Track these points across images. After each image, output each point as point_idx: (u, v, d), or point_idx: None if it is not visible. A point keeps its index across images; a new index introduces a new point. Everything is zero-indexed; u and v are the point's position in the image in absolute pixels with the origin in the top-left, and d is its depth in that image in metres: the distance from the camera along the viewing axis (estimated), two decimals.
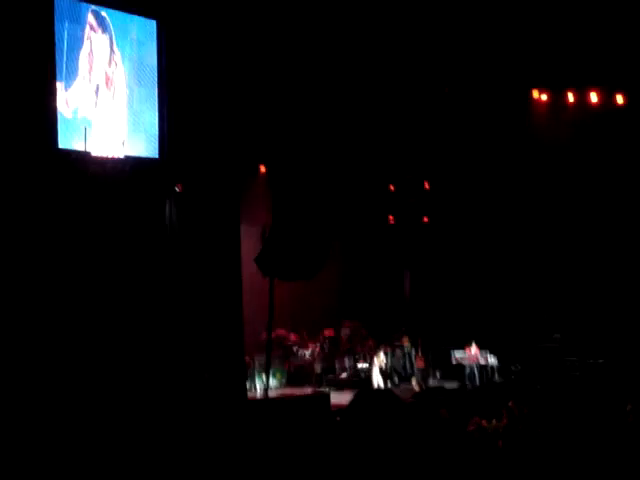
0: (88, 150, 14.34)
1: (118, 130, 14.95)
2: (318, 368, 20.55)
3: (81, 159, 14.19)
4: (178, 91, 15.49)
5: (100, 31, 14.62)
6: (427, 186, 22.93)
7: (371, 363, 20.60)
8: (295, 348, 21.19)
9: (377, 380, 20.18)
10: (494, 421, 12.19)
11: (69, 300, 13.79)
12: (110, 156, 14.74)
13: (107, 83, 14.78)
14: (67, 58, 14.06)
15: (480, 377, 21.17)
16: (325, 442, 10.52)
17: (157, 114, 15.37)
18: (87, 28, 14.42)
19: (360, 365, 20.99)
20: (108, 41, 14.77)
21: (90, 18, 14.54)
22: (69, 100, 14.17)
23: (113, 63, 14.83)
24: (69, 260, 13.79)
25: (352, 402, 4.16)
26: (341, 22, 17.30)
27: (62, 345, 13.50)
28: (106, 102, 14.82)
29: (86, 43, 14.45)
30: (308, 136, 18.62)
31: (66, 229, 13.83)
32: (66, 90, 14.09)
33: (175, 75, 15.39)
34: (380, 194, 22.84)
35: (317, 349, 21.04)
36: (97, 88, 14.69)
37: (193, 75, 15.54)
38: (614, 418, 10.89)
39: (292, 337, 21.47)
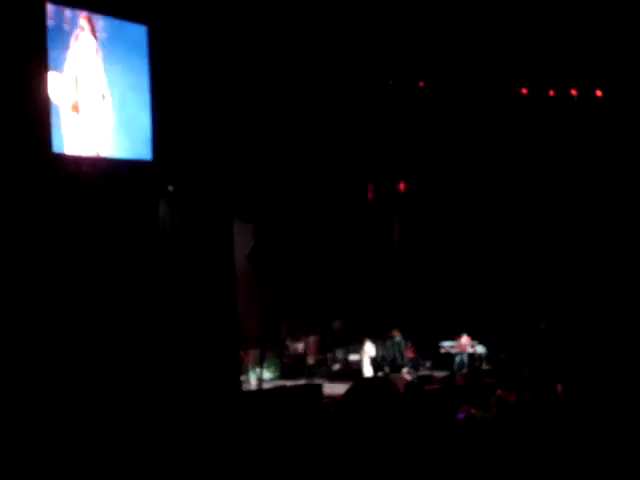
0: (79, 153, 14.50)
1: (109, 132, 15.12)
2: (311, 360, 20.86)
3: (73, 162, 14.35)
4: (170, 94, 15.68)
5: (89, 32, 14.70)
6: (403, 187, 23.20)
7: (361, 354, 20.94)
8: (288, 341, 21.50)
9: (368, 371, 20.52)
10: (482, 410, 12.51)
11: (65, 301, 13.97)
12: (100, 158, 14.89)
13: (94, 86, 14.86)
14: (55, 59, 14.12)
15: (469, 365, 21.63)
16: (318, 432, 10.85)
17: (149, 117, 15.53)
18: (77, 29, 14.50)
19: (352, 357, 21.31)
20: (97, 44, 14.84)
21: (81, 21, 14.65)
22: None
23: (102, 67, 14.95)
24: (65, 261, 13.99)
25: (348, 391, 4.43)
26: (322, 27, 17.51)
27: (56, 344, 13.68)
28: (95, 105, 14.92)
29: (74, 44, 14.49)
30: (292, 139, 18.86)
31: (61, 231, 13.98)
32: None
33: (166, 78, 15.58)
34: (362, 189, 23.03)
35: (310, 341, 21.33)
36: (85, 90, 14.77)
37: (184, 78, 15.75)
38: (603, 405, 11.20)
39: (285, 330, 21.77)
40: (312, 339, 21.46)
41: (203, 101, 16.02)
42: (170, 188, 15.85)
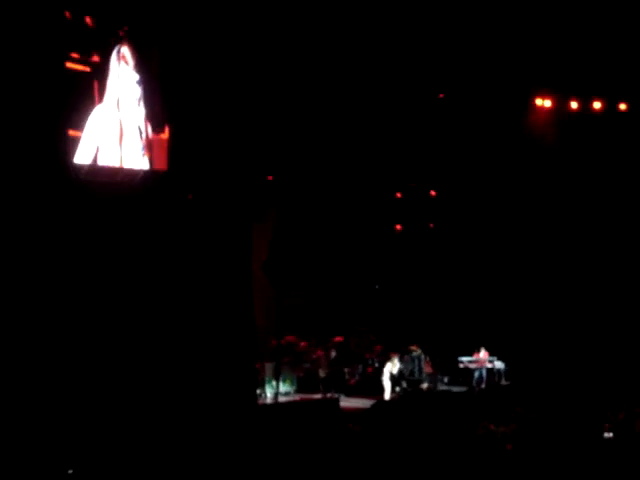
0: (101, 164, 14.62)
1: (129, 145, 15.20)
2: (322, 373, 20.74)
3: (94, 173, 14.46)
4: (183, 107, 15.73)
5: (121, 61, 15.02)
6: (433, 193, 23.11)
7: (382, 368, 20.75)
8: (304, 355, 21.39)
9: (387, 385, 20.36)
10: (502, 426, 12.38)
11: (82, 306, 13.98)
12: (121, 169, 14.97)
13: (118, 104, 15.05)
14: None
15: (487, 381, 21.44)
16: (336, 446, 10.73)
17: (165, 130, 15.62)
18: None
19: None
20: (125, 69, 15.11)
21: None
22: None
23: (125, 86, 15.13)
24: (85, 271, 14.02)
25: (371, 409, 4.36)
26: (342, 30, 17.45)
27: (75, 354, 13.68)
28: (116, 120, 15.07)
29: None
30: (312, 145, 18.80)
31: (80, 241, 14.05)
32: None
33: (178, 92, 15.64)
34: (386, 202, 22.99)
35: (322, 355, 21.21)
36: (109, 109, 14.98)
37: (197, 92, 15.78)
38: (615, 423, 11.06)
39: (302, 344, 21.67)
40: (322, 353, 21.32)
41: (217, 113, 16.02)
42: (188, 198, 15.85)
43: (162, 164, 15.46)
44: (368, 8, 17.12)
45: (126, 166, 14.98)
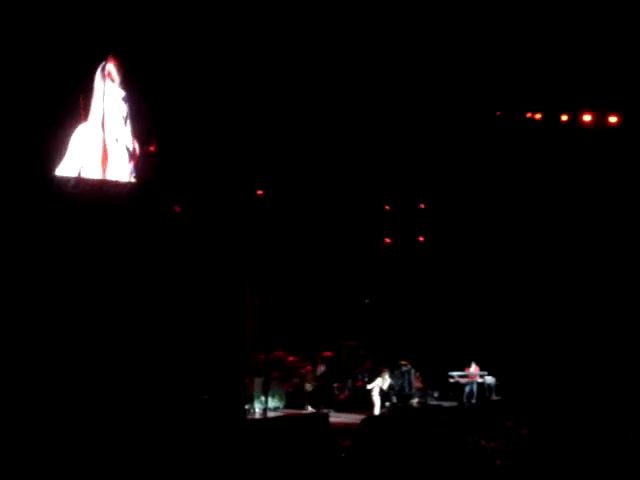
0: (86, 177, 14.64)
1: (114, 159, 15.20)
2: (308, 388, 20.61)
3: (79, 185, 14.47)
4: (169, 122, 15.75)
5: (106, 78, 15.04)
6: (422, 206, 23.08)
7: (371, 383, 20.60)
8: (292, 370, 21.25)
9: (376, 400, 20.22)
10: (492, 441, 12.28)
11: (71, 326, 13.93)
12: (106, 182, 14.96)
13: (103, 119, 15.08)
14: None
15: (478, 396, 21.34)
16: (325, 461, 10.62)
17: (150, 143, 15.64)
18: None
19: (369, 386, 20.75)
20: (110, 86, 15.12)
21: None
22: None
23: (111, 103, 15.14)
24: (71, 282, 13.97)
25: (361, 425, 4.28)
26: (337, 38, 17.44)
27: (64, 359, 13.64)
28: (100, 135, 15.09)
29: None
30: (301, 157, 18.78)
31: (65, 252, 14.02)
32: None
33: (164, 107, 15.67)
34: (375, 216, 22.94)
35: (309, 370, 21.09)
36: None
37: (183, 106, 15.79)
38: (614, 440, 10.97)
39: (290, 359, 21.53)
40: (309, 368, 21.19)
41: (205, 125, 16.02)
42: (175, 209, 15.82)
43: (148, 177, 15.46)
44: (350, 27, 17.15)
45: (111, 179, 14.97)
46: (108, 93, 15.05)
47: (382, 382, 20.32)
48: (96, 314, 14.29)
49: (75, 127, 14.60)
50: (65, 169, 14.34)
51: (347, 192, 21.18)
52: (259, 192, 19.65)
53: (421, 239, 23.59)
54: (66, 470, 12.09)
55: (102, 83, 14.92)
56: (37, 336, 13.51)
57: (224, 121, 16.31)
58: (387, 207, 23.05)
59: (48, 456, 12.36)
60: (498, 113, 20.31)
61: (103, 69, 14.94)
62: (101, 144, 14.95)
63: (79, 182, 14.49)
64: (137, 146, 15.46)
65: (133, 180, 15.39)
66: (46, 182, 14.12)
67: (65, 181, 14.38)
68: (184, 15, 15.52)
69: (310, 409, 19.93)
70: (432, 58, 18.46)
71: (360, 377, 21.76)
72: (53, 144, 14.16)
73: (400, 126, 20.19)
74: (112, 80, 15.11)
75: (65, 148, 14.41)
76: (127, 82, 15.29)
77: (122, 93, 15.16)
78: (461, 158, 21.41)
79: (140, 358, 14.69)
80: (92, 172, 14.80)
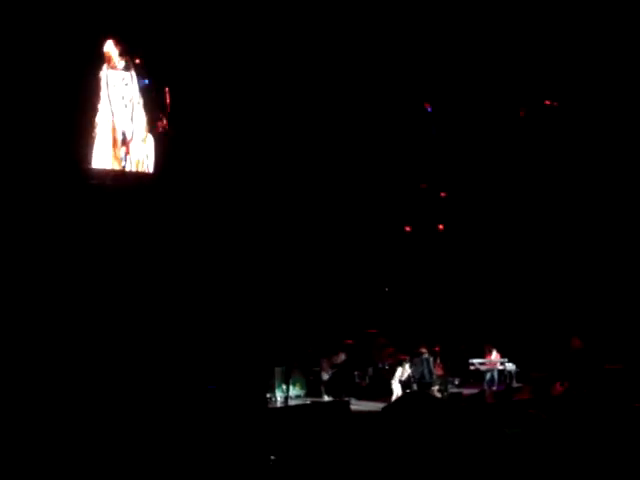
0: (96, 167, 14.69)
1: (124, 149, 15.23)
2: (325, 376, 20.66)
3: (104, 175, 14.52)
4: (180, 112, 15.76)
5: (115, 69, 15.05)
6: (443, 194, 23.02)
7: (394, 371, 20.61)
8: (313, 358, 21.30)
9: (396, 388, 20.23)
10: (514, 428, 12.24)
11: (92, 315, 13.99)
12: (115, 172, 15.00)
13: (112, 109, 15.11)
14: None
15: (499, 383, 21.31)
16: (346, 448, 10.64)
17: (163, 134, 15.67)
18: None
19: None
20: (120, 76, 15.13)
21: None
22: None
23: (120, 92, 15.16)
24: (83, 274, 14.04)
25: (389, 407, 4.30)
26: (340, 35, 17.43)
27: (69, 354, 13.70)
28: (110, 125, 15.13)
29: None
30: (318, 145, 18.76)
31: (77, 242, 14.10)
32: None
33: (174, 97, 15.67)
34: (396, 203, 22.92)
35: (325, 358, 21.13)
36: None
37: (193, 96, 15.79)
38: (632, 426, 10.94)
39: (310, 347, 21.57)
40: (326, 357, 21.23)
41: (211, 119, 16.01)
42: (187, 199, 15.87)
43: (159, 168, 15.49)
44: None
45: (130, 170, 15.01)
46: (118, 83, 15.06)
47: (402, 371, 20.32)
48: (117, 302, 14.36)
49: (85, 116, 14.61)
50: (100, 162, 14.39)
51: (368, 180, 21.16)
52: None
53: (441, 227, 23.55)
54: (75, 458, 12.22)
55: (111, 73, 14.93)
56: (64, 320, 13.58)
57: (234, 111, 16.32)
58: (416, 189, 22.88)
59: (51, 451, 12.48)
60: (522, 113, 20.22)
61: (111, 60, 14.95)
62: (111, 134, 14.96)
63: (100, 174, 14.54)
64: (148, 136, 15.46)
65: (150, 171, 15.40)
66: (80, 175, 14.19)
67: (104, 174, 14.45)
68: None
69: (327, 398, 19.98)
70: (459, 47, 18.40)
71: (381, 365, 21.76)
72: (77, 136, 14.21)
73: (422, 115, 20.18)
74: (121, 69, 15.11)
75: (88, 140, 14.45)
76: (137, 72, 15.27)
77: (133, 82, 15.15)
78: (482, 147, 21.36)
79: (158, 348, 14.75)
80: (102, 163, 14.80)
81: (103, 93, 14.81)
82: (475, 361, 21.71)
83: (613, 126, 19.83)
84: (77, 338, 13.64)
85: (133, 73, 15.16)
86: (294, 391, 19.70)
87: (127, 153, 14.94)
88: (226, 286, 15.99)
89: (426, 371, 21.41)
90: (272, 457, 11.71)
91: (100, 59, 14.72)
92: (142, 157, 15.39)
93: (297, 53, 16.88)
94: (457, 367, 22.16)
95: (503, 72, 19.05)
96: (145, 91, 15.39)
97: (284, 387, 18.95)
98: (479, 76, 19.26)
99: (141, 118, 15.38)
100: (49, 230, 13.58)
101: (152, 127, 15.54)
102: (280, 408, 17.93)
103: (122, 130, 15.02)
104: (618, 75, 18.24)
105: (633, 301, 20.61)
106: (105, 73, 14.79)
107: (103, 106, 14.74)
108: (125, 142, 15.02)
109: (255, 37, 16.05)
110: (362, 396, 20.14)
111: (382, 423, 4.40)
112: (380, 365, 21.79)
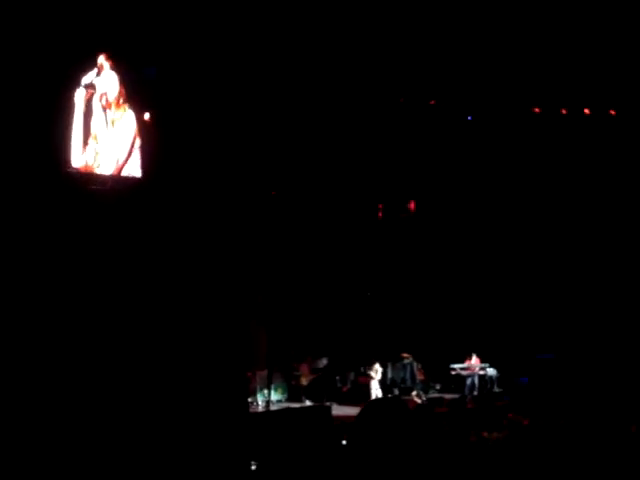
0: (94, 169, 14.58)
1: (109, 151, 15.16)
2: (304, 381, 20.69)
3: (88, 179, 14.41)
4: (168, 113, 15.69)
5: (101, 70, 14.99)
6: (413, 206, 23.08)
7: (369, 377, 20.68)
8: (294, 363, 21.32)
9: (376, 393, 20.28)
10: (495, 433, 12.30)
11: (76, 312, 13.92)
12: (120, 177, 14.92)
13: (97, 111, 15.05)
14: None
15: (480, 388, 21.39)
16: (328, 454, 10.66)
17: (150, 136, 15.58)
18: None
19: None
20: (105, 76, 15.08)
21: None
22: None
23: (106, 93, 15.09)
24: (79, 272, 13.96)
25: (362, 411, 4.29)
26: (328, 42, 17.43)
27: (58, 355, 13.63)
28: (94, 126, 15.07)
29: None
30: (301, 155, 18.77)
31: (77, 244, 14.01)
32: None
33: (163, 98, 15.61)
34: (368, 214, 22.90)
35: (305, 363, 21.16)
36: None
37: (182, 97, 15.74)
38: (616, 431, 11.01)
39: (292, 352, 21.60)
40: (306, 361, 21.26)
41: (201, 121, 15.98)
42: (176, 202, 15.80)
43: (146, 171, 15.40)
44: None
45: (122, 175, 14.93)
46: (102, 84, 14.99)
47: (375, 374, 20.38)
48: (103, 307, 14.29)
49: (69, 119, 14.51)
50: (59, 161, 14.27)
51: (349, 186, 21.19)
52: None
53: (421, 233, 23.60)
54: (69, 464, 12.18)
55: (96, 74, 14.84)
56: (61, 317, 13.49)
57: (223, 115, 16.29)
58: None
59: (50, 450, 12.44)
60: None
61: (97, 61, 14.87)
62: (99, 137, 14.90)
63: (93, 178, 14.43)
64: (136, 139, 15.41)
65: (137, 175, 15.32)
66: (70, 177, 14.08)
67: (102, 179, 14.34)
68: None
69: (308, 402, 20.01)
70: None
71: (362, 370, 21.81)
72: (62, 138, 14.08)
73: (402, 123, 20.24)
74: (106, 71, 15.02)
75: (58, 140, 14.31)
76: (123, 74, 15.19)
77: (117, 83, 15.08)
78: (464, 153, 21.45)
79: (139, 353, 14.69)
80: (83, 165, 14.71)
81: (80, 94, 14.73)
82: (456, 366, 21.80)
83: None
84: (58, 344, 13.56)
85: (114, 73, 15.06)
86: (275, 396, 19.69)
87: (97, 154, 14.82)
88: (206, 289, 15.94)
89: (408, 376, 21.51)
90: (253, 462, 11.71)
91: (81, 61, 14.63)
92: (124, 159, 15.32)
93: (290, 56, 16.89)
94: (438, 372, 22.23)
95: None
96: (130, 90, 15.30)
97: (265, 392, 18.93)
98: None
99: (127, 119, 15.32)
100: (33, 234, 13.50)
101: (139, 128, 15.47)
102: (261, 413, 17.91)
103: (99, 132, 14.95)
104: (619, 74, 18.28)
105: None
106: (85, 76, 14.71)
107: (79, 108, 14.65)
108: (101, 144, 14.96)
109: (244, 39, 16.03)
110: (343, 401, 20.15)
111: (354, 429, 4.40)
112: (361, 369, 21.84)
